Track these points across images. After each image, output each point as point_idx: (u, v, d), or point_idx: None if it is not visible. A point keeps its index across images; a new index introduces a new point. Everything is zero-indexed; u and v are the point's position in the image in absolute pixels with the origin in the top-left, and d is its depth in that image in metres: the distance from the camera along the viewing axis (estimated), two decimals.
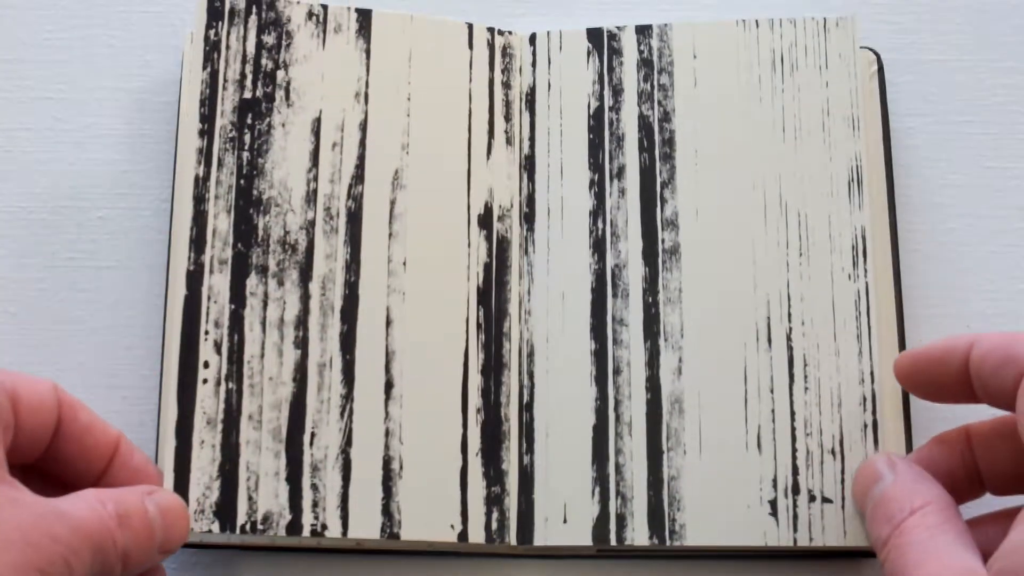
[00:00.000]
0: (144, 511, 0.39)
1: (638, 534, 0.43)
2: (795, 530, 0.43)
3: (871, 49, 0.49)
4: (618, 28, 0.49)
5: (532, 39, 0.49)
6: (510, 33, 0.49)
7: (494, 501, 0.44)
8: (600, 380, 0.45)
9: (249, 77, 0.46)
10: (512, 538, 0.44)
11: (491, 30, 0.49)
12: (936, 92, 0.51)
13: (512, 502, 0.44)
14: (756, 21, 0.48)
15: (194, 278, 0.44)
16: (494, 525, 0.44)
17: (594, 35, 0.49)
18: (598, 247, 0.46)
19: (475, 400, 0.45)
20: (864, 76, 0.48)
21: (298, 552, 0.45)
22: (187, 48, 0.48)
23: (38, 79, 0.51)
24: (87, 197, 0.50)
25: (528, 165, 0.48)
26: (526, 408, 0.45)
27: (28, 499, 0.36)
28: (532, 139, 0.48)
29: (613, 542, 0.43)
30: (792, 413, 0.44)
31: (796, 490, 0.43)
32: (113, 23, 0.52)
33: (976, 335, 0.39)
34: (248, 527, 0.42)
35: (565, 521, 0.44)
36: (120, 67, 0.51)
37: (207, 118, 0.46)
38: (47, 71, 0.51)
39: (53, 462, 0.41)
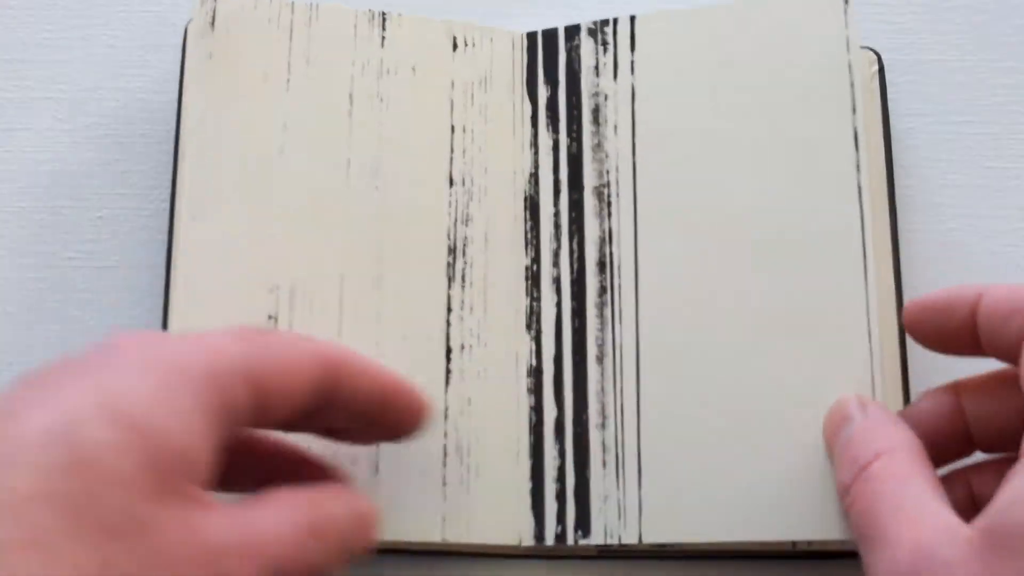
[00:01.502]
0: (333, 518, 0.34)
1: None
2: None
3: (871, 49, 0.49)
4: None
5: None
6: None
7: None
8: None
9: None
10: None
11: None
12: (936, 92, 0.51)
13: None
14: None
15: None
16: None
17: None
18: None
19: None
20: (864, 76, 0.48)
21: None
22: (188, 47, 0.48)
23: (38, 79, 0.51)
24: (87, 197, 0.50)
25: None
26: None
27: (205, 528, 0.30)
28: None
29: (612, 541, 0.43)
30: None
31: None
32: (113, 23, 0.52)
33: (985, 286, 0.38)
34: None
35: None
36: (120, 67, 0.51)
37: None
38: (47, 71, 0.51)
39: (317, 423, 0.37)
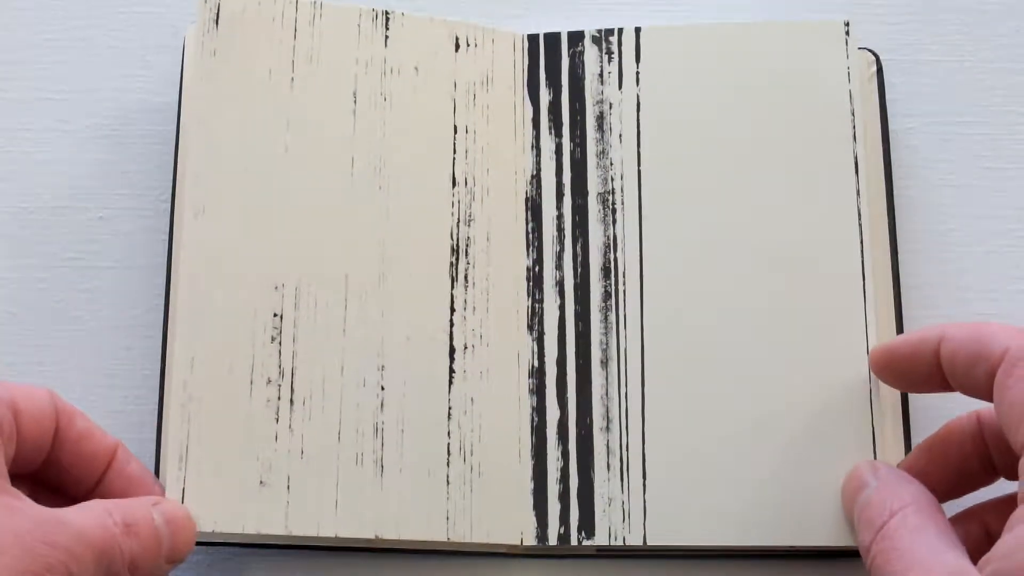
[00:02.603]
0: (150, 520, 0.39)
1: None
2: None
3: (870, 50, 0.49)
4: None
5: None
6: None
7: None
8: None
9: None
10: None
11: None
12: (935, 93, 0.51)
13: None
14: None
15: None
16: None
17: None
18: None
19: None
20: (863, 78, 0.48)
21: (288, 550, 0.45)
22: (188, 46, 0.48)
23: (38, 79, 0.51)
24: (87, 197, 0.50)
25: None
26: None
27: (28, 508, 0.36)
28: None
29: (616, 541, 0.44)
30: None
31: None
32: (113, 23, 0.52)
33: (943, 328, 0.40)
34: None
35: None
36: (120, 67, 0.51)
37: None
38: (47, 71, 0.51)
39: (51, 470, 0.41)
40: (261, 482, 0.43)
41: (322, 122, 0.47)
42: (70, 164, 0.50)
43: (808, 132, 0.47)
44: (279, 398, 0.44)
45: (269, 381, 0.44)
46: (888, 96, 0.49)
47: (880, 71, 0.49)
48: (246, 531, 0.42)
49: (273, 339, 0.44)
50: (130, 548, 0.38)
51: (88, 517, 0.37)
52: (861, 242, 0.46)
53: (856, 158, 0.46)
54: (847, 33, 0.48)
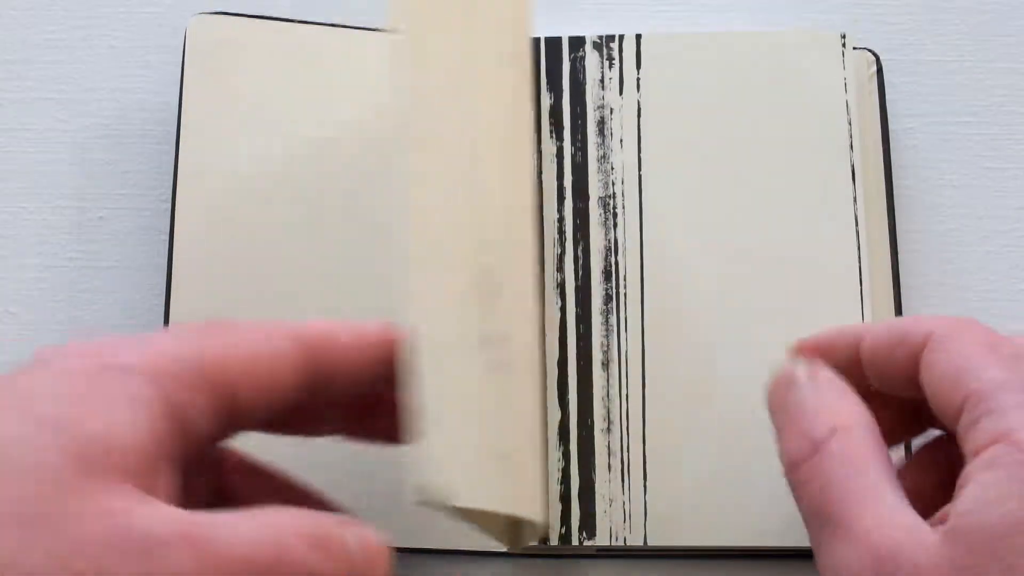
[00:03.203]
0: (342, 539, 0.30)
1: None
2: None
3: (870, 50, 0.49)
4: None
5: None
6: None
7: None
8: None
9: None
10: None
11: None
12: (935, 93, 0.51)
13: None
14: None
15: None
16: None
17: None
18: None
19: None
20: (863, 78, 0.48)
21: None
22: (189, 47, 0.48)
23: (38, 79, 0.51)
24: (87, 197, 0.50)
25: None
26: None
27: (131, 515, 0.27)
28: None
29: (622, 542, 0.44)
30: None
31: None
32: (113, 23, 0.52)
33: (865, 326, 0.38)
34: None
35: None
36: (120, 67, 0.51)
37: None
38: (47, 71, 0.51)
39: (323, 394, 0.34)
40: None
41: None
42: (70, 164, 0.50)
43: (806, 140, 0.47)
44: None
45: None
46: (888, 96, 0.49)
47: (880, 71, 0.49)
48: None
49: None
50: (316, 563, 0.29)
51: (251, 523, 0.29)
52: (859, 248, 0.46)
53: (853, 167, 0.47)
54: (843, 45, 0.48)
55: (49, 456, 0.27)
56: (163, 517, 0.28)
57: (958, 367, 0.33)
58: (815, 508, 0.33)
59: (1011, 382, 0.32)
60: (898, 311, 0.46)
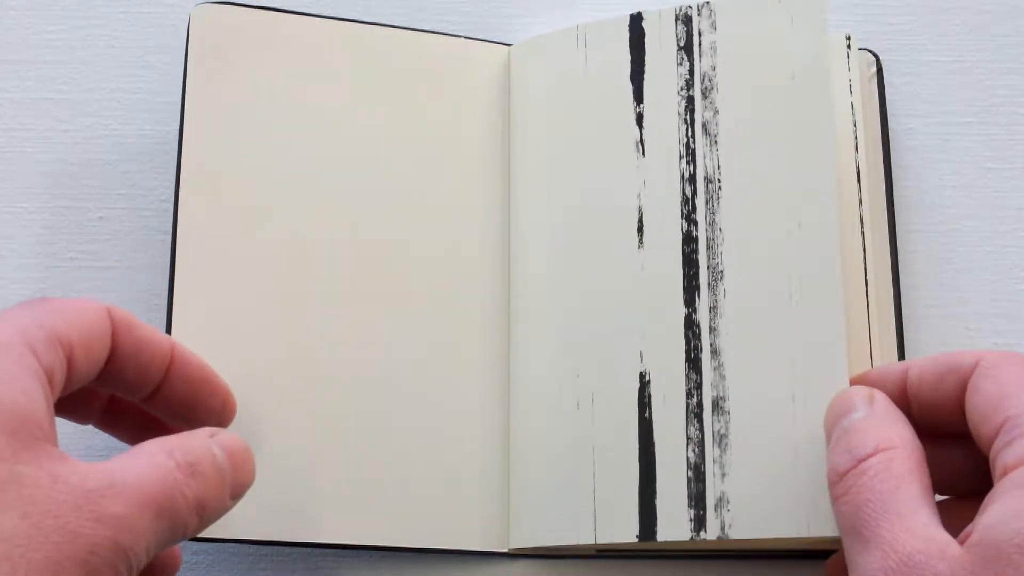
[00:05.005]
0: (212, 456, 0.36)
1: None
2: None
3: (870, 51, 0.49)
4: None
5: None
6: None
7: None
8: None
9: None
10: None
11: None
12: (935, 93, 0.51)
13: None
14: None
15: None
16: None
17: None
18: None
19: None
20: (863, 78, 0.48)
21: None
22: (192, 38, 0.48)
23: (38, 79, 0.51)
24: (87, 197, 0.50)
25: None
26: None
27: (72, 474, 0.32)
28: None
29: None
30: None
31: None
32: (113, 23, 0.52)
33: (908, 362, 0.40)
34: None
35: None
36: (120, 67, 0.51)
37: None
38: (47, 71, 0.51)
39: (108, 382, 0.38)
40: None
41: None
42: (70, 164, 0.50)
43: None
44: None
45: None
46: (888, 96, 0.49)
47: (880, 71, 0.49)
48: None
49: None
50: (195, 491, 0.34)
51: (145, 466, 0.33)
52: (863, 249, 0.46)
53: (858, 168, 0.46)
54: (848, 47, 0.47)
55: None
56: (87, 471, 0.32)
57: (1002, 393, 0.35)
58: (852, 520, 0.35)
59: None
60: (898, 311, 0.46)
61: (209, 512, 0.35)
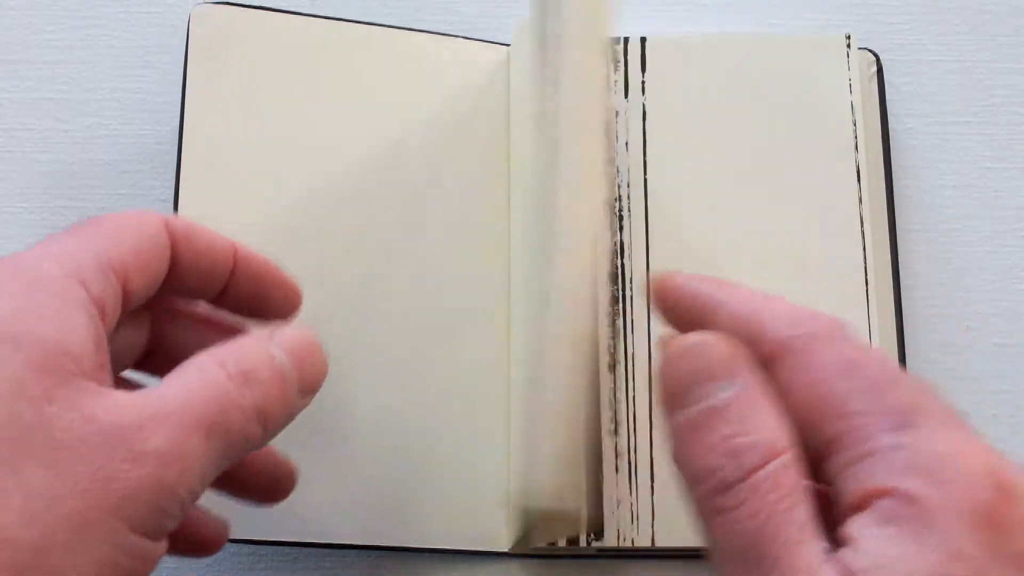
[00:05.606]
0: (271, 359, 0.33)
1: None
2: None
3: (870, 50, 0.50)
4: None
5: None
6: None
7: None
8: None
9: None
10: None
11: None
12: (935, 93, 0.51)
13: None
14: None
15: None
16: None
17: None
18: None
19: None
20: (863, 78, 0.48)
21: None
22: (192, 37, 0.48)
23: (38, 79, 0.51)
24: (87, 197, 0.50)
25: None
26: None
27: (105, 413, 0.29)
28: None
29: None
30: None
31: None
32: (113, 23, 0.52)
33: (726, 296, 0.33)
34: None
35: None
36: (120, 67, 0.51)
37: None
38: (47, 71, 0.51)
39: (170, 291, 0.36)
40: None
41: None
42: (70, 164, 0.50)
43: (811, 141, 0.47)
44: None
45: None
46: (888, 96, 0.49)
47: (880, 71, 0.49)
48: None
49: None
50: (252, 400, 0.31)
51: (192, 384, 0.31)
52: (864, 249, 0.46)
53: (858, 167, 0.46)
54: (848, 46, 0.48)
55: (15, 370, 0.29)
56: (124, 404, 0.29)
57: (821, 395, 0.30)
58: (746, 544, 0.28)
59: (882, 417, 0.29)
60: (898, 311, 0.46)
61: (275, 419, 0.33)
